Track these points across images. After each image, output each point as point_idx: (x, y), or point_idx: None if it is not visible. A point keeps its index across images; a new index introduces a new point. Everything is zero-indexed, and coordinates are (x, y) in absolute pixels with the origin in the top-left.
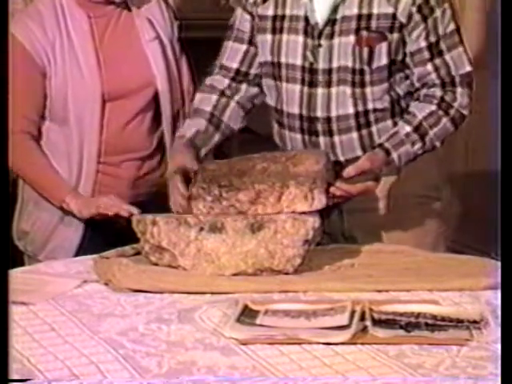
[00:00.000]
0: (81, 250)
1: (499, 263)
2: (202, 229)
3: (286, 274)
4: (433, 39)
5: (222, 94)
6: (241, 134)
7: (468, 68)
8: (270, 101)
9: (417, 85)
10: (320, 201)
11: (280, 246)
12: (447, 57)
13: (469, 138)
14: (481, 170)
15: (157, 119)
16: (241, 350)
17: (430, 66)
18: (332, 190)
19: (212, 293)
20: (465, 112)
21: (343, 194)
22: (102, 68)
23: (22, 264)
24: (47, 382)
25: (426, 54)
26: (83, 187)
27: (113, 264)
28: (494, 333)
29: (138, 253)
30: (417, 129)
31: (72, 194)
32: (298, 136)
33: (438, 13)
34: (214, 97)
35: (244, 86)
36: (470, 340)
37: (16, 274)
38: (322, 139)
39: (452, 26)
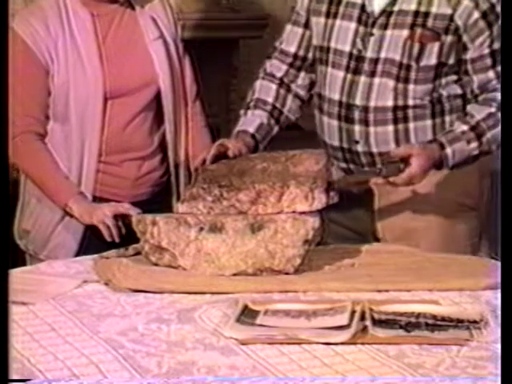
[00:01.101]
0: (82, 250)
1: (499, 263)
2: (201, 229)
3: (286, 273)
4: (496, 46)
5: (281, 82)
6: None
7: None
8: (316, 86)
9: (476, 91)
10: (320, 200)
11: (280, 245)
12: (498, 69)
13: None
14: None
15: (158, 119)
16: (241, 350)
17: (492, 73)
18: (374, 181)
19: (212, 293)
20: None
21: (388, 185)
22: (105, 66)
23: (23, 263)
24: (47, 382)
25: (489, 61)
26: (84, 186)
27: (113, 264)
28: (493, 333)
29: (138, 253)
30: (474, 128)
31: (75, 198)
32: (335, 123)
33: (499, 22)
34: (274, 86)
35: (302, 74)
36: (470, 340)
37: (16, 274)
38: (357, 128)
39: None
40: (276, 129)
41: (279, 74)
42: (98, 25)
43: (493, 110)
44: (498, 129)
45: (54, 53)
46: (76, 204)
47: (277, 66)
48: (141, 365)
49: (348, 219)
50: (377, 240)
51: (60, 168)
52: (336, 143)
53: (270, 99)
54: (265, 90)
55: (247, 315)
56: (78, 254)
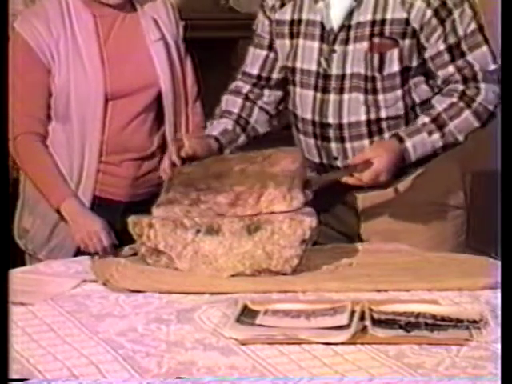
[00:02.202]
0: (81, 250)
1: (499, 263)
2: (198, 231)
3: (284, 274)
4: (452, 41)
5: (247, 97)
6: None
7: (493, 66)
8: (289, 105)
9: (442, 86)
10: (298, 200)
11: (277, 246)
12: (469, 57)
13: (469, 137)
14: (481, 169)
15: (159, 119)
16: (241, 350)
17: (452, 68)
18: (344, 179)
19: (211, 293)
20: (490, 107)
21: (356, 183)
22: (106, 67)
23: (22, 263)
24: (47, 382)
25: (447, 57)
26: (84, 186)
27: (111, 264)
28: (493, 333)
29: (136, 253)
30: (435, 119)
31: (67, 203)
32: (312, 141)
33: (456, 14)
34: (239, 100)
35: (266, 91)
36: (470, 340)
37: (15, 274)
38: (333, 145)
39: (473, 26)
40: (243, 138)
41: (244, 91)
42: (100, 26)
43: (454, 99)
44: (461, 118)
45: (56, 53)
46: (68, 209)
47: (241, 86)
48: (140, 365)
49: (335, 221)
50: (362, 242)
51: (58, 171)
52: (316, 160)
53: (236, 110)
54: (231, 102)
55: (247, 315)
56: (78, 254)
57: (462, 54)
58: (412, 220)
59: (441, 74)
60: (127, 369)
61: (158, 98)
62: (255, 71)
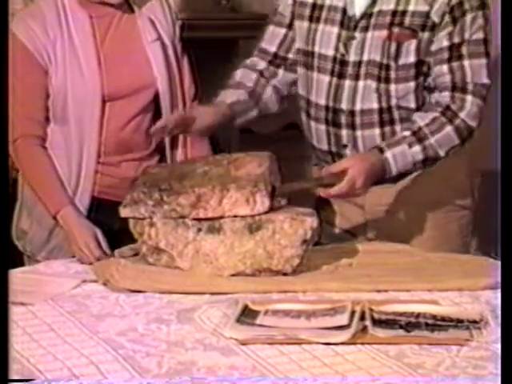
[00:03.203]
0: None
1: (499, 263)
2: (199, 230)
3: (285, 274)
4: (456, 40)
5: (261, 74)
6: (241, 134)
7: (485, 80)
8: (301, 90)
9: (431, 84)
10: (263, 204)
11: (278, 246)
12: (466, 62)
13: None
14: (480, 169)
15: (156, 120)
16: (241, 350)
17: (446, 67)
18: (316, 191)
19: (211, 293)
20: (472, 123)
21: (327, 196)
22: (103, 68)
23: (21, 264)
24: (47, 382)
25: (446, 54)
26: (83, 187)
27: (111, 264)
28: (493, 333)
29: (136, 254)
30: (415, 133)
31: (63, 212)
32: (323, 127)
33: (468, 17)
34: (254, 75)
35: (281, 71)
36: (470, 340)
37: (15, 275)
38: (344, 132)
39: (480, 35)
40: (255, 111)
41: (259, 68)
42: (97, 27)
43: (437, 114)
44: (442, 133)
45: (53, 54)
46: (64, 218)
47: (256, 62)
48: (141, 365)
49: (339, 219)
50: (369, 241)
51: (57, 176)
52: (325, 147)
53: (250, 84)
54: (245, 75)
55: (247, 315)
56: None
57: (460, 57)
58: (417, 219)
59: (435, 70)
60: (127, 369)
61: (156, 99)
62: (273, 48)
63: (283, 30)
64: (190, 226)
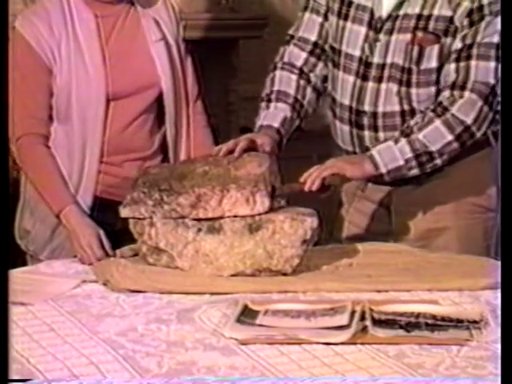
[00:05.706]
0: None
1: (499, 263)
2: (199, 230)
3: (285, 274)
4: (467, 42)
5: (301, 72)
6: (241, 134)
7: (488, 79)
8: (330, 87)
9: (442, 83)
10: (263, 204)
11: (278, 246)
12: (473, 63)
13: None
14: None
15: (160, 119)
16: (241, 350)
17: (453, 67)
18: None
19: (211, 293)
20: (464, 118)
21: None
22: (108, 67)
23: (23, 264)
24: (47, 382)
25: (455, 55)
26: (85, 187)
27: (111, 265)
28: (493, 333)
29: (136, 254)
30: (402, 131)
31: (66, 211)
32: (347, 128)
33: (485, 21)
34: (294, 77)
35: (320, 63)
36: (470, 340)
37: (15, 274)
38: (367, 133)
39: (493, 39)
40: (297, 122)
41: (299, 64)
42: (102, 26)
43: (427, 111)
44: (430, 128)
45: (57, 53)
46: (67, 218)
47: (296, 54)
48: (141, 365)
49: (365, 220)
50: (394, 241)
51: (60, 175)
52: (350, 148)
53: (292, 91)
54: (285, 81)
55: (247, 315)
56: None
57: (468, 58)
58: (444, 220)
59: (444, 70)
60: (127, 369)
61: (159, 98)
62: (313, 37)
63: (320, 19)
64: (190, 226)
